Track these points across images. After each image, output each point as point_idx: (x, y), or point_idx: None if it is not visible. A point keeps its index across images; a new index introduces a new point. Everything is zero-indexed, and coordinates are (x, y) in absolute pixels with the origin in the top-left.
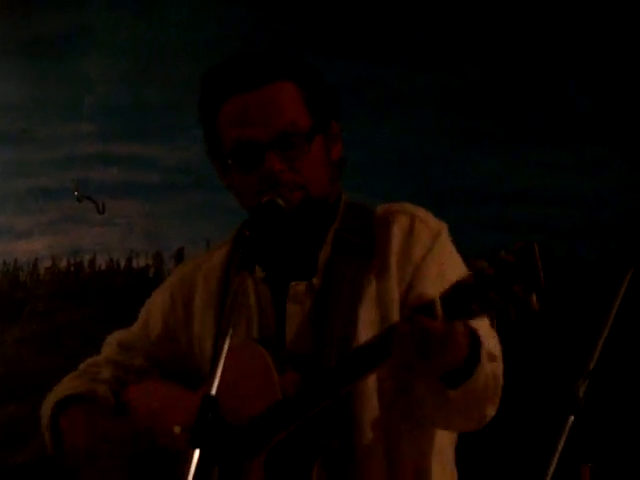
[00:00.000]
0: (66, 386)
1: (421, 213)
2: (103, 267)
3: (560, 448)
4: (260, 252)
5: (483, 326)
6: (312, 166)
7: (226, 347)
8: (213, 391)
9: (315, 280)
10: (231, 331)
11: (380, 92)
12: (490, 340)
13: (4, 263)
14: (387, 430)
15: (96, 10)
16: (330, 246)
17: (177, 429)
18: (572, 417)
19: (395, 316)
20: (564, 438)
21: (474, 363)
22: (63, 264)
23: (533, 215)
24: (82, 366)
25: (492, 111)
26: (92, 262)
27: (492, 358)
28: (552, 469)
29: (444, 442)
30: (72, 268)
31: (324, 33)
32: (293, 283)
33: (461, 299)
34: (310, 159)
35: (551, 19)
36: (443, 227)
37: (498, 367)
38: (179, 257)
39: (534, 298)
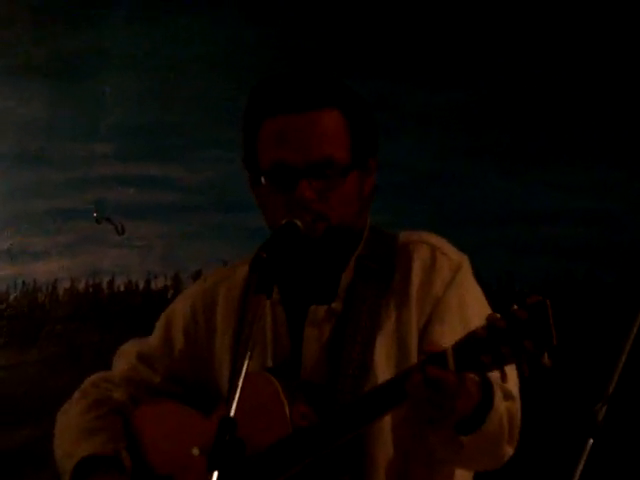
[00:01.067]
0: (83, 424)
1: (442, 245)
2: (122, 288)
3: (580, 471)
4: (278, 274)
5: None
6: (343, 199)
7: (244, 370)
8: (232, 413)
9: (335, 305)
10: (249, 354)
11: (393, 111)
12: (510, 380)
13: (23, 284)
14: (402, 471)
15: (112, 30)
16: (352, 272)
17: (196, 451)
18: (591, 440)
19: (413, 349)
20: (583, 461)
21: (487, 409)
22: (82, 285)
23: (549, 236)
24: (95, 381)
25: (506, 131)
26: (111, 283)
27: (508, 397)
28: None
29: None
30: (91, 289)
31: (336, 51)
32: (313, 307)
33: (473, 351)
34: (342, 193)
35: (565, 39)
36: (464, 260)
37: (514, 405)
38: (197, 279)
39: (546, 355)
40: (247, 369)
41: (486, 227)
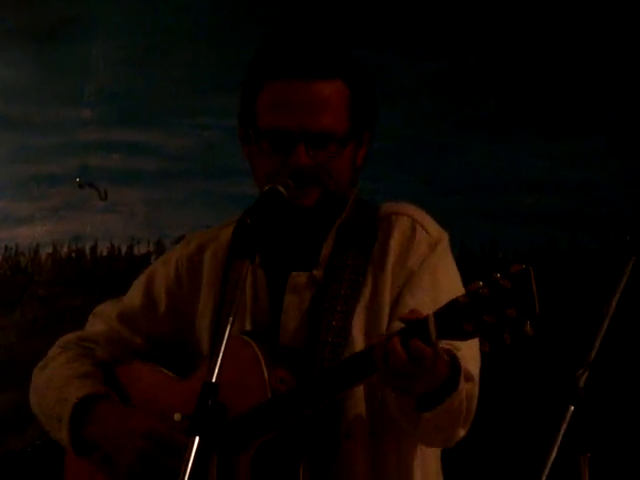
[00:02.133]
0: (69, 372)
1: (424, 219)
2: (104, 254)
3: (560, 438)
4: (261, 240)
5: (468, 345)
6: (337, 169)
7: (226, 335)
8: (213, 378)
9: (316, 272)
10: (232, 319)
11: (380, 80)
12: (471, 361)
13: (5, 248)
14: (372, 434)
15: None
16: (333, 240)
17: (177, 416)
18: (572, 407)
19: (383, 320)
20: (564, 428)
21: (451, 388)
22: (64, 250)
23: (534, 204)
24: (72, 339)
25: (493, 100)
26: (93, 249)
27: (469, 378)
28: (552, 458)
29: (428, 450)
30: (73, 254)
31: (324, 20)
32: (294, 273)
33: (455, 319)
34: (338, 162)
35: (554, 9)
36: (443, 237)
37: (473, 388)
38: None
39: (528, 324)
40: (229, 334)
41: (470, 195)
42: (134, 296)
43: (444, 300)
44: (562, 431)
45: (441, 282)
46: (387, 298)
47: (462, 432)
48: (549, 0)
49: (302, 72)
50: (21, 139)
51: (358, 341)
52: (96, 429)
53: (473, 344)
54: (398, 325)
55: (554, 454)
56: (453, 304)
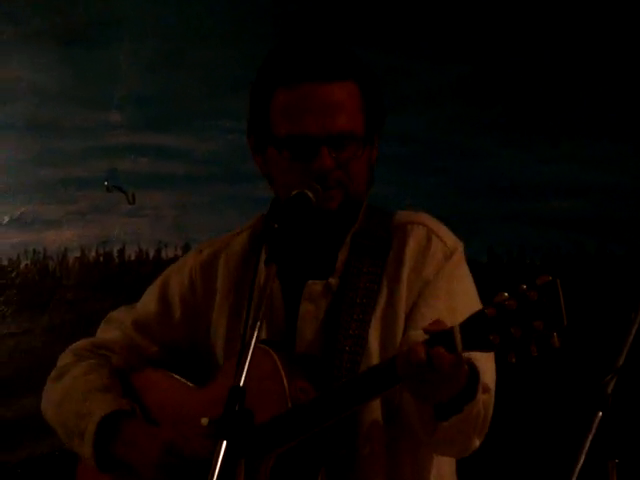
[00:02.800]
0: (88, 385)
1: (439, 228)
2: (132, 257)
3: (588, 444)
4: (289, 244)
5: (484, 358)
6: (358, 170)
7: (254, 340)
8: (241, 382)
9: (332, 280)
10: (259, 324)
11: (407, 83)
12: (487, 372)
13: (33, 252)
14: (389, 443)
15: None
16: (348, 248)
17: (205, 420)
18: (600, 413)
19: (399, 329)
20: (592, 434)
21: (469, 398)
22: (92, 254)
23: (560, 209)
24: (86, 346)
25: (523, 103)
26: (121, 252)
27: (485, 390)
28: (579, 465)
29: (443, 459)
30: (101, 258)
31: (352, 22)
32: (310, 282)
33: (481, 330)
34: (359, 163)
35: (572, 12)
36: (459, 246)
37: (489, 399)
38: None
39: (556, 336)
40: (257, 339)
41: (497, 200)
42: (148, 303)
43: (460, 310)
44: (590, 437)
45: (457, 292)
46: (402, 307)
47: (477, 442)
48: (570, 5)
49: (314, 75)
50: (49, 142)
51: (374, 350)
52: (122, 447)
53: (489, 355)
54: (414, 334)
55: (582, 460)
56: (479, 315)
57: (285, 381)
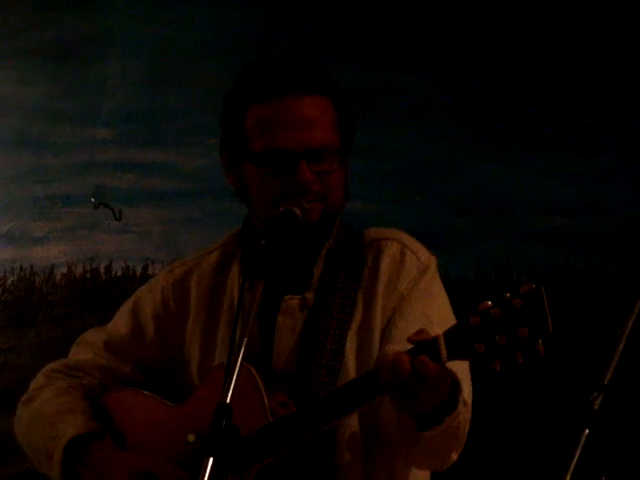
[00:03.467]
0: (58, 407)
1: (412, 243)
2: (119, 274)
3: (575, 461)
4: (274, 261)
5: (462, 369)
6: (337, 182)
7: (241, 356)
8: (228, 399)
9: (308, 295)
10: (246, 340)
11: (397, 99)
12: (466, 387)
13: (20, 268)
14: (365, 455)
15: (115, 14)
16: (323, 263)
17: (191, 437)
18: (587, 430)
19: (374, 343)
20: (579, 451)
21: (450, 409)
22: (79, 270)
23: (547, 226)
24: (58, 368)
25: (510, 120)
26: (108, 269)
27: (464, 403)
28: None
29: (419, 473)
30: (88, 275)
31: (341, 38)
32: (287, 297)
33: (466, 338)
34: (337, 175)
35: (570, 30)
36: (432, 261)
37: (467, 413)
38: None
39: (541, 342)
40: (244, 355)
41: (484, 216)
42: (120, 324)
43: (436, 323)
44: (577, 454)
45: (432, 306)
46: (378, 322)
47: (454, 456)
48: (568, 19)
49: (288, 89)
50: (37, 158)
51: (351, 364)
52: (88, 471)
53: (465, 367)
54: (392, 348)
55: (569, 477)
56: (463, 324)
57: (265, 396)
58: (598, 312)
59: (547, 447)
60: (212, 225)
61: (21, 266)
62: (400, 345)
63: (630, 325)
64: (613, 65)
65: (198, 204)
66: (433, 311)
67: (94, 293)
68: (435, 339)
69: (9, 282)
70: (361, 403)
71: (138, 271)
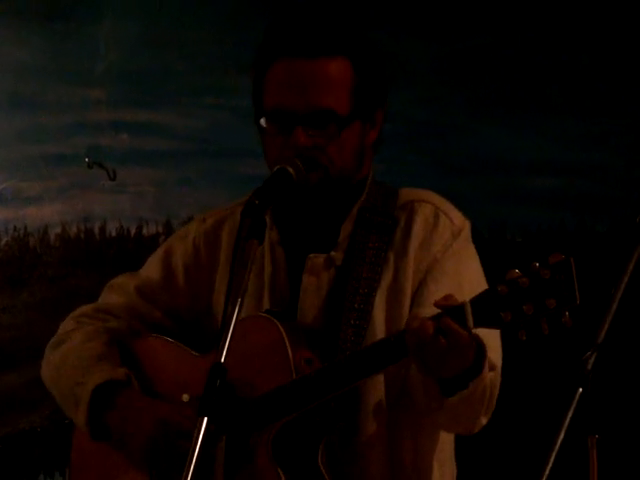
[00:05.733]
0: (86, 352)
1: (446, 207)
2: (113, 234)
3: (568, 420)
4: (275, 217)
5: (491, 335)
6: (340, 150)
7: (235, 316)
8: (222, 359)
9: (334, 253)
10: (241, 300)
11: (390, 62)
12: (494, 350)
13: (14, 229)
14: (390, 417)
15: None
16: (353, 222)
17: (185, 397)
18: (580, 389)
19: (405, 305)
20: (572, 410)
21: (475, 373)
22: (73, 230)
23: (541, 186)
24: (87, 312)
25: (504, 82)
26: (102, 229)
27: (492, 367)
28: (559, 440)
29: (444, 436)
30: (82, 235)
31: (331, 2)
32: (312, 255)
33: (492, 307)
34: (339, 143)
35: None
36: (466, 225)
37: (496, 377)
38: None
39: (567, 314)
40: (238, 315)
41: (479, 177)
42: (152, 270)
43: (467, 288)
44: (570, 413)
45: (464, 270)
46: (409, 283)
47: (484, 420)
48: None
49: (304, 51)
50: (30, 118)
51: (379, 324)
52: (115, 417)
53: (495, 333)
54: (422, 312)
55: (562, 436)
56: (491, 292)
57: (290, 351)
58: (592, 271)
59: (541, 406)
60: (206, 186)
61: (15, 226)
62: (430, 308)
63: (624, 284)
64: (609, 25)
65: (192, 164)
66: (464, 275)
67: (88, 253)
68: (462, 305)
69: (3, 242)
70: (386, 364)
71: (132, 231)
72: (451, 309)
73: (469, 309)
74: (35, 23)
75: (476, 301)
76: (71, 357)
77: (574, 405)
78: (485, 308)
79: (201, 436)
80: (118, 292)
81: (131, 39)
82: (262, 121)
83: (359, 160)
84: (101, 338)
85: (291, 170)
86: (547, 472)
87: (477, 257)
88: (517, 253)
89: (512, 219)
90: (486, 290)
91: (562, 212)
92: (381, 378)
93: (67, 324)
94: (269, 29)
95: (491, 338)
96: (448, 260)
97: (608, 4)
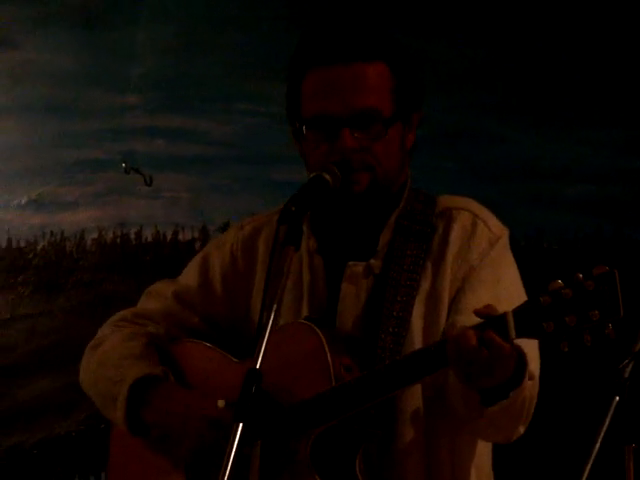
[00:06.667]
0: (124, 351)
1: (485, 214)
2: (149, 239)
3: (605, 428)
4: (313, 225)
5: (529, 345)
6: (385, 151)
7: (271, 322)
8: (257, 365)
9: (373, 262)
10: (276, 307)
11: (424, 68)
12: (533, 360)
13: (51, 233)
14: (427, 425)
15: None
16: (391, 230)
17: (221, 403)
18: (617, 398)
19: (444, 312)
20: (609, 418)
21: (516, 384)
22: (109, 236)
23: (578, 193)
24: (127, 316)
25: (536, 87)
26: (138, 234)
27: (531, 377)
28: (596, 449)
29: (482, 444)
30: (118, 240)
31: (364, 9)
32: (351, 263)
33: (535, 318)
34: (385, 144)
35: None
36: (504, 233)
37: (534, 387)
38: (225, 231)
39: (611, 326)
40: (274, 321)
41: (515, 184)
42: (190, 277)
43: (505, 297)
44: (607, 422)
45: (502, 278)
46: (447, 291)
47: (522, 429)
48: None
49: (341, 56)
50: (67, 124)
51: (418, 332)
52: (155, 411)
53: (534, 342)
54: (461, 319)
55: (599, 445)
56: (534, 303)
57: (330, 358)
58: (629, 279)
59: (578, 414)
60: (241, 191)
61: (51, 231)
62: (468, 317)
63: None
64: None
65: (228, 170)
66: (502, 283)
67: (124, 258)
68: (504, 316)
69: (40, 247)
70: (425, 374)
71: (168, 237)
72: (492, 319)
73: (511, 319)
74: (71, 29)
75: (518, 312)
76: (110, 357)
77: (611, 414)
78: (527, 319)
79: (236, 441)
80: (156, 298)
81: (167, 45)
82: (303, 129)
83: (402, 163)
84: (140, 340)
85: (327, 177)
86: None
87: (515, 265)
88: (554, 261)
89: (549, 226)
90: (528, 300)
91: (599, 219)
92: (418, 386)
93: (106, 328)
94: (302, 39)
95: (530, 347)
96: (485, 268)
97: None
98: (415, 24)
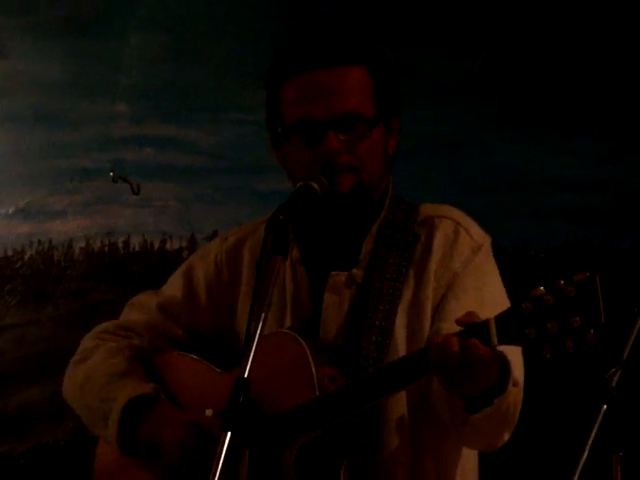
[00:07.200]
0: (111, 369)
1: (467, 222)
2: (137, 248)
3: (593, 437)
4: (297, 235)
5: (514, 352)
6: (370, 152)
7: (258, 332)
8: (245, 374)
9: (356, 271)
10: (264, 315)
11: (411, 78)
12: (517, 366)
13: (39, 242)
14: (413, 433)
15: None
16: (373, 239)
17: (209, 412)
18: (605, 406)
19: (425, 321)
20: (597, 427)
21: (499, 391)
22: (97, 244)
23: (565, 202)
24: (109, 328)
25: (524, 98)
26: (126, 243)
27: (515, 383)
28: (584, 458)
29: (467, 450)
30: (106, 249)
31: (356, 16)
32: (333, 273)
33: (517, 324)
34: (369, 145)
35: (587, 10)
36: (486, 240)
37: (518, 394)
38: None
39: (592, 332)
40: (262, 331)
41: (502, 193)
42: (174, 288)
43: (488, 304)
44: (595, 430)
45: (485, 285)
46: (429, 299)
47: (506, 436)
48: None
49: (323, 61)
50: (55, 133)
51: (401, 340)
52: (149, 430)
53: (517, 350)
54: (445, 327)
55: (587, 453)
56: (515, 309)
57: (313, 368)
58: (616, 287)
59: (565, 423)
60: (230, 201)
61: (39, 240)
62: (451, 324)
63: None
64: (630, 43)
65: (215, 179)
66: (485, 291)
67: (112, 267)
68: (486, 322)
69: (27, 256)
70: (409, 381)
71: (156, 246)
72: (475, 326)
73: (493, 326)
74: (60, 39)
75: (500, 318)
76: (95, 374)
77: (598, 422)
78: (509, 325)
79: (224, 451)
80: (140, 310)
81: (155, 55)
82: (285, 136)
83: (384, 169)
84: (124, 355)
85: (315, 186)
86: None
87: (498, 272)
88: (541, 269)
89: (536, 236)
90: (510, 307)
91: (586, 228)
92: (403, 394)
93: (88, 341)
94: (280, 47)
95: (513, 354)
96: (468, 276)
97: (632, 22)
98: (402, 35)
